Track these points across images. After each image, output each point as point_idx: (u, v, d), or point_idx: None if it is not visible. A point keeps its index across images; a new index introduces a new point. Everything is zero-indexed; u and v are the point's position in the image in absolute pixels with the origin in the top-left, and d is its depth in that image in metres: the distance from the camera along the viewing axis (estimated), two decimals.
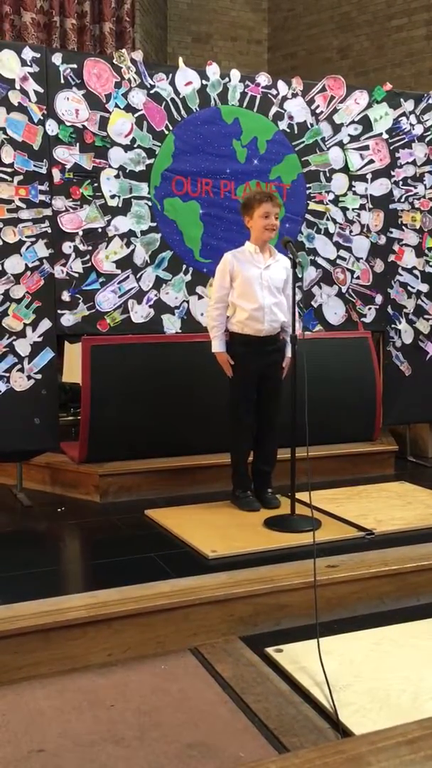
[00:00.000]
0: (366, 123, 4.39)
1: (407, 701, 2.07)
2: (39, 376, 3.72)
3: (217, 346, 3.48)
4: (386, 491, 3.87)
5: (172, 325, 4.06)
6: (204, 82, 4.03)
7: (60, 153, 3.72)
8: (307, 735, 1.93)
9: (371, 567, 2.76)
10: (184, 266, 4.07)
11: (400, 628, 2.55)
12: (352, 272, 4.45)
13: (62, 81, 3.70)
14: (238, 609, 2.53)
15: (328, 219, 4.38)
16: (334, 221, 4.39)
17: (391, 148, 4.46)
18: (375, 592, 2.73)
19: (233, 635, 2.49)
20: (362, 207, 4.43)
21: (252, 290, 3.39)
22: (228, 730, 1.96)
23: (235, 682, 2.19)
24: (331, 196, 4.37)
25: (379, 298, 4.52)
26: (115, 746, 1.90)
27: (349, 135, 4.36)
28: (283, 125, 4.23)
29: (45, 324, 3.73)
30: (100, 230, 3.85)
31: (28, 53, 3.61)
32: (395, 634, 2.50)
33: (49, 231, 3.71)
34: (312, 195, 4.34)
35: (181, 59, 4.11)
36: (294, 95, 4.24)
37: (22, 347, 3.68)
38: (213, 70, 4.05)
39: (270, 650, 2.37)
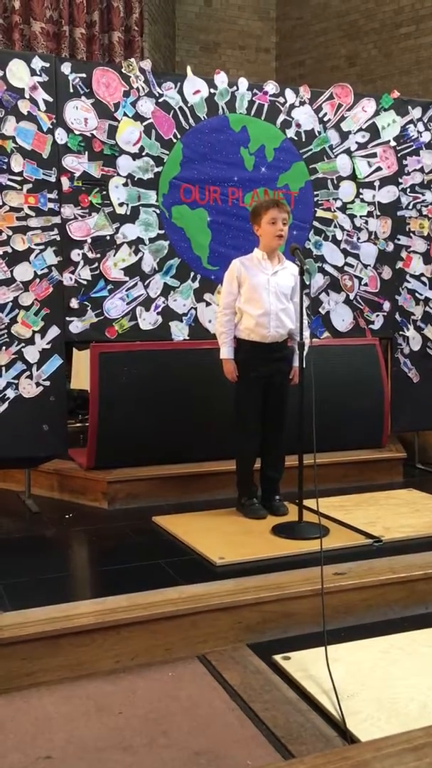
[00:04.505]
0: (374, 130, 4.40)
1: (416, 710, 2.06)
2: (47, 383, 3.73)
3: (225, 352, 3.49)
4: (394, 498, 3.86)
5: (179, 332, 4.07)
6: (212, 90, 4.05)
7: (69, 161, 3.75)
8: (314, 743, 1.92)
9: (379, 574, 2.75)
10: (192, 273, 4.08)
11: (409, 636, 2.54)
12: (360, 279, 4.46)
13: (71, 90, 3.73)
14: (246, 616, 2.53)
15: (335, 226, 4.38)
16: (342, 228, 4.39)
17: (399, 155, 4.47)
18: (383, 599, 2.72)
19: (241, 642, 2.49)
20: (370, 214, 4.44)
21: (259, 296, 3.40)
22: (235, 738, 1.96)
23: (242, 690, 2.19)
24: (338, 204, 4.38)
25: (386, 305, 4.52)
26: (123, 753, 1.90)
27: (356, 142, 4.37)
28: (290, 133, 4.24)
29: (53, 331, 3.75)
30: (108, 238, 3.87)
31: (37, 63, 3.64)
32: (403, 642, 2.49)
33: (58, 239, 3.73)
34: (320, 202, 4.35)
35: (189, 68, 4.12)
36: (302, 103, 4.26)
37: (31, 354, 3.70)
38: (221, 79, 4.07)
39: (278, 658, 2.37)
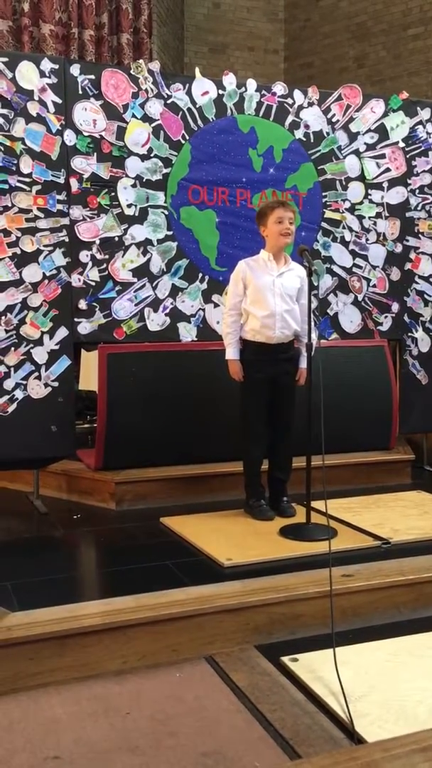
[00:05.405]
0: (382, 131, 4.39)
1: (424, 712, 2.05)
2: (56, 384, 3.74)
3: (230, 353, 3.49)
4: (402, 500, 3.85)
5: (187, 333, 4.07)
6: (220, 91, 4.06)
7: (78, 163, 3.75)
8: (322, 745, 1.91)
9: (387, 576, 2.74)
10: (200, 274, 4.08)
11: (417, 638, 2.53)
12: (368, 280, 4.45)
13: (80, 92, 3.73)
14: (254, 618, 2.52)
15: (344, 227, 4.38)
16: (350, 229, 4.39)
17: (408, 156, 4.46)
18: (391, 601, 2.71)
19: (248, 644, 2.49)
20: (378, 215, 4.43)
21: (264, 297, 3.40)
22: (243, 740, 1.96)
23: (250, 691, 2.18)
24: (347, 205, 4.37)
25: (395, 307, 4.51)
26: (130, 754, 1.90)
27: (365, 143, 4.36)
28: (299, 134, 4.24)
29: (62, 332, 3.75)
30: (116, 239, 3.87)
31: (46, 64, 3.65)
32: (412, 644, 2.48)
33: (67, 240, 3.74)
34: (328, 203, 4.34)
35: (197, 69, 4.13)
36: (310, 104, 4.25)
37: (40, 355, 3.70)
38: (229, 80, 4.08)
39: (285, 659, 2.36)
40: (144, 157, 3.90)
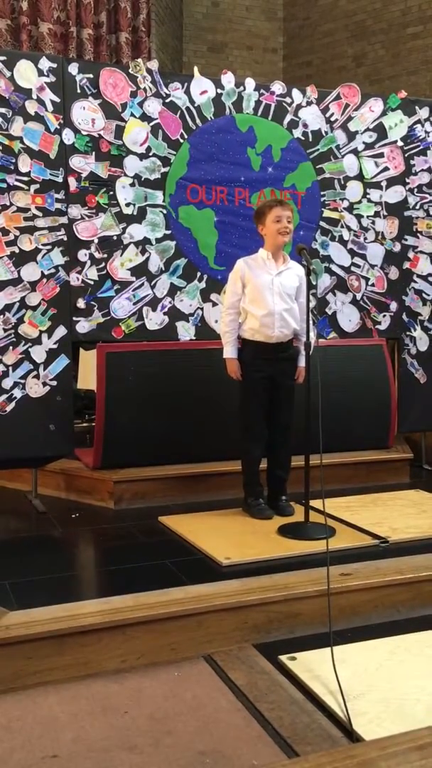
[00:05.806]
0: (381, 130, 4.39)
1: (422, 711, 2.05)
2: (54, 383, 3.74)
3: (229, 352, 3.49)
4: (401, 499, 3.85)
5: (186, 332, 4.07)
6: (219, 90, 4.06)
7: (76, 162, 3.75)
8: (320, 743, 1.92)
9: (386, 575, 2.75)
10: (199, 273, 4.08)
11: (415, 637, 2.53)
12: (367, 279, 4.45)
13: (78, 90, 3.73)
14: (252, 616, 2.52)
15: (342, 226, 4.38)
16: (349, 229, 4.39)
17: (406, 155, 4.46)
18: (389, 600, 2.72)
19: (247, 643, 2.49)
20: (377, 214, 4.43)
21: (262, 296, 3.40)
22: (241, 738, 1.96)
23: (248, 690, 2.18)
24: (345, 204, 4.37)
25: (393, 306, 4.51)
26: (129, 753, 1.90)
27: (363, 142, 4.37)
28: (297, 133, 4.24)
29: (60, 331, 3.75)
30: (115, 238, 3.87)
31: (45, 63, 3.65)
32: (410, 643, 2.48)
33: (65, 239, 3.74)
34: (326, 202, 4.34)
35: (196, 68, 4.13)
36: (309, 103, 4.25)
37: (38, 354, 3.70)
38: (228, 79, 4.08)
39: (283, 658, 2.36)
40: (142, 156, 3.90)
